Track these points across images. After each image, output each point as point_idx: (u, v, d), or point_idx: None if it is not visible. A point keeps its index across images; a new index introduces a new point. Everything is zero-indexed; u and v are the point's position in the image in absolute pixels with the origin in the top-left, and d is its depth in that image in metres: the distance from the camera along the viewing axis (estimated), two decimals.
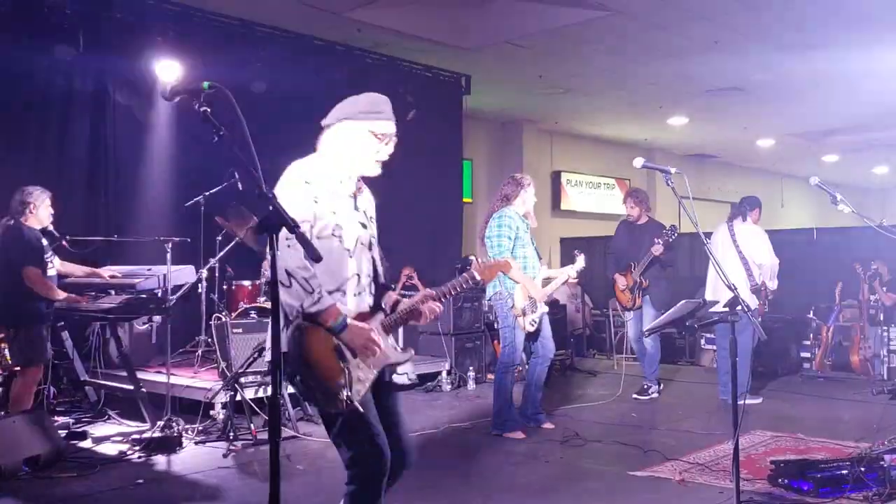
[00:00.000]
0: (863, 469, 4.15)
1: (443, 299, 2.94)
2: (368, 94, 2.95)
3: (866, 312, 8.22)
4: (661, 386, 7.69)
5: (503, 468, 5.08)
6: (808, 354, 8.84)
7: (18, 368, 5.49)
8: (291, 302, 2.62)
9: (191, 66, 7.37)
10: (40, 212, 5.54)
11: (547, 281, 6.09)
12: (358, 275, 2.84)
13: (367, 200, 3.02)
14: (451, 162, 11.01)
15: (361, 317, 2.81)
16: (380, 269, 2.98)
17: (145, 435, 5.48)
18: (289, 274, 2.60)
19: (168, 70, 7.33)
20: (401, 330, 8.66)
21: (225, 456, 5.26)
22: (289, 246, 2.56)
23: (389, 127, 2.95)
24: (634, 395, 7.43)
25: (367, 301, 2.88)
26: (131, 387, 6.00)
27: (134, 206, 7.50)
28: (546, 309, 5.97)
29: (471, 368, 8.17)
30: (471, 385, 8.07)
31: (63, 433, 5.51)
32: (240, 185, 6.27)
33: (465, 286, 2.96)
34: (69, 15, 6.91)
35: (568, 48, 9.27)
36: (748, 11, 8.03)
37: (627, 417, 6.56)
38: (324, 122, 2.97)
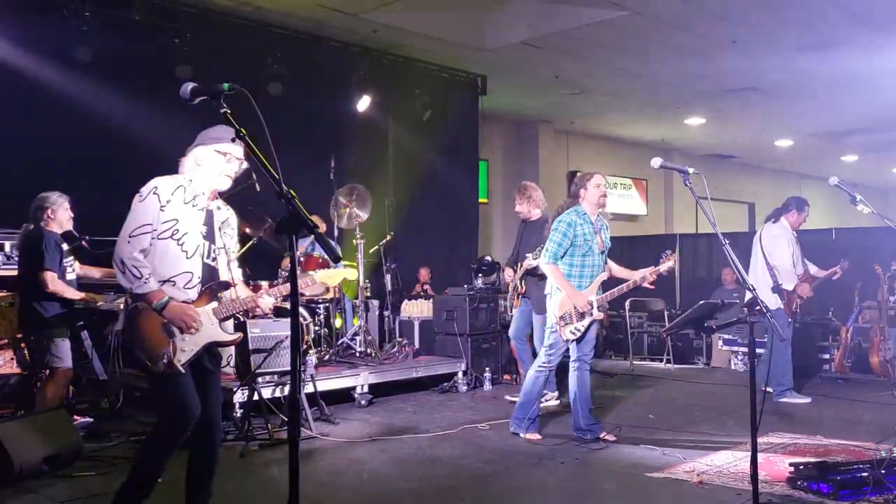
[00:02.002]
0: (883, 471, 4.11)
1: (276, 297, 3.65)
2: (216, 126, 3.44)
3: (886, 313, 8.14)
4: (559, 395, 7.14)
5: (520, 469, 5.07)
6: (827, 356, 8.79)
7: (45, 372, 5.55)
8: (124, 284, 3.30)
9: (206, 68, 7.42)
10: (59, 215, 5.61)
11: (614, 284, 5.74)
12: (191, 273, 3.42)
13: (226, 216, 3.63)
14: (467, 162, 11.02)
15: (195, 303, 3.43)
16: (225, 273, 3.58)
17: None
18: (122, 262, 3.26)
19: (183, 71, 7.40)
20: (416, 330, 8.72)
21: (242, 456, 5.29)
22: (128, 242, 3.27)
23: (233, 149, 3.44)
24: (510, 396, 7.00)
25: (199, 292, 3.45)
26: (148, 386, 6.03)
27: None
28: (600, 316, 5.61)
29: (487, 369, 8.16)
30: (487, 386, 8.06)
31: (82, 432, 5.56)
32: (257, 186, 6.30)
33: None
34: (87, 17, 6.98)
35: (584, 48, 9.25)
36: (766, 11, 7.98)
37: (644, 419, 6.53)
38: (187, 150, 3.53)
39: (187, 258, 3.40)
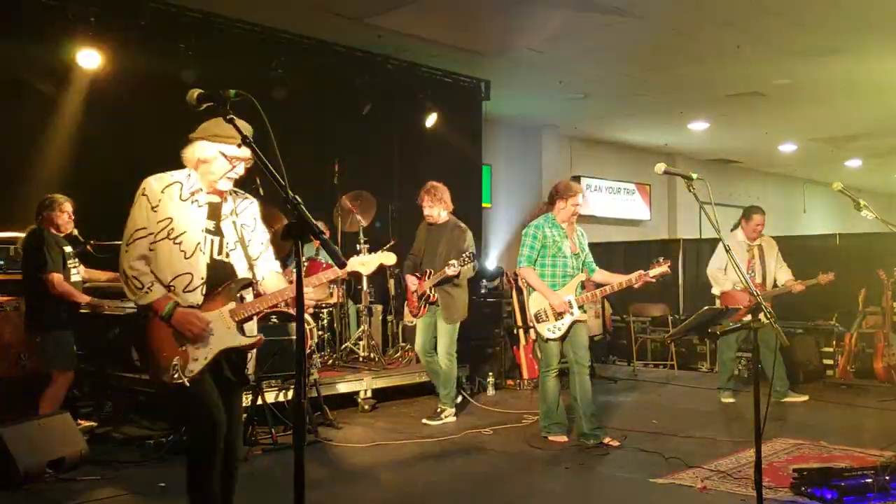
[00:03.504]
0: (887, 477, 4.11)
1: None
2: (220, 121, 2.99)
3: (890, 319, 8.12)
4: (457, 410, 6.87)
5: (523, 474, 5.07)
6: (830, 361, 8.77)
7: (50, 374, 5.57)
8: (129, 296, 3.18)
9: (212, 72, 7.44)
10: (60, 218, 5.63)
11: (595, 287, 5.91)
12: (191, 274, 3.22)
13: (241, 206, 3.46)
14: (470, 167, 11.01)
15: (210, 305, 3.24)
16: (244, 268, 3.37)
17: (168, 438, 5.52)
18: (124, 273, 3.15)
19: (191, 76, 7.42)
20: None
21: (246, 460, 5.29)
22: (126, 251, 3.15)
23: (239, 153, 3.26)
24: (424, 420, 6.59)
25: (200, 297, 3.24)
26: (153, 390, 6.04)
27: None
28: (581, 316, 5.77)
29: (490, 374, 8.16)
30: (490, 391, 8.06)
31: (86, 436, 5.56)
32: (261, 191, 6.32)
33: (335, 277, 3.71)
34: (94, 24, 7.01)
35: (588, 53, 9.26)
36: (769, 16, 7.98)
37: (648, 424, 6.52)
38: (191, 136, 3.32)
39: (185, 258, 3.21)
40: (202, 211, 3.30)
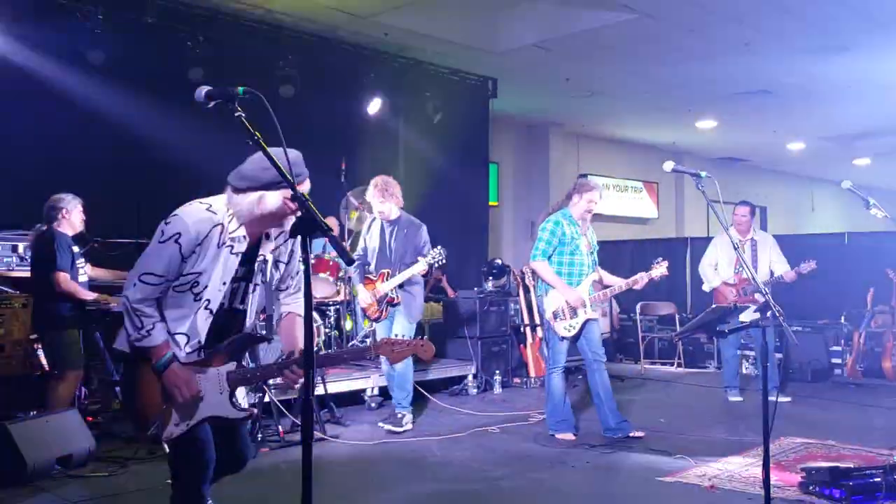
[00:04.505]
0: None
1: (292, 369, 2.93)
2: (289, 150, 2.60)
3: None
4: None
5: (530, 472, 5.06)
6: (839, 360, 8.74)
7: (56, 372, 5.59)
8: (128, 330, 2.82)
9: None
10: (73, 217, 5.65)
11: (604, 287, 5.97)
12: (194, 332, 2.90)
13: (277, 245, 3.04)
14: (477, 165, 11.02)
15: (208, 361, 2.92)
16: (249, 323, 3.05)
17: None
18: (126, 305, 2.80)
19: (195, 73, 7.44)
20: (426, 333, 8.74)
21: (253, 457, 5.29)
22: (135, 284, 2.78)
23: (307, 186, 2.85)
24: (387, 426, 6.20)
25: (196, 356, 2.93)
26: None
27: (165, 208, 7.57)
28: (595, 315, 5.83)
29: (497, 372, 8.16)
30: (497, 389, 8.06)
31: (94, 433, 5.58)
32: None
33: (354, 357, 3.51)
34: (101, 20, 7.03)
35: (595, 51, 9.24)
36: (778, 14, 7.95)
37: (655, 423, 6.51)
38: (235, 183, 2.85)
39: (194, 312, 2.89)
40: (236, 260, 2.92)
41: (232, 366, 2.95)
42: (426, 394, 7.19)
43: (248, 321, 3.06)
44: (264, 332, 3.25)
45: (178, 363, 2.84)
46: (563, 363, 5.87)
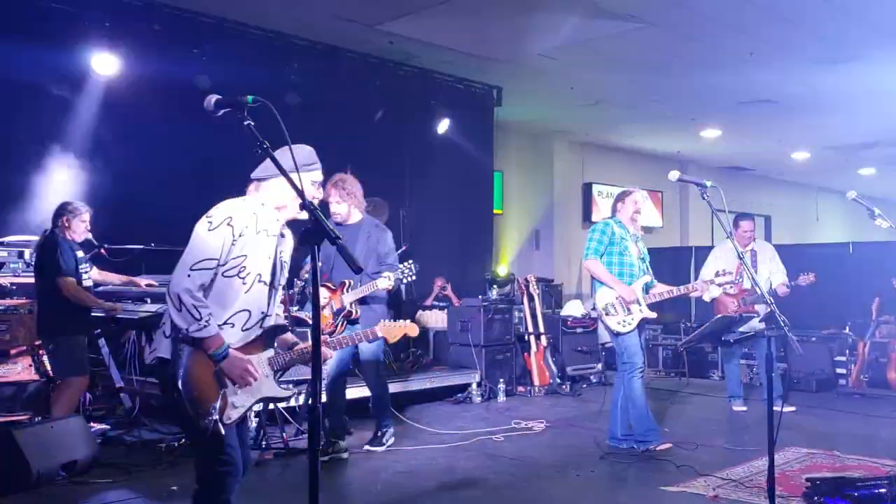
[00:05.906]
0: None
1: (335, 348, 3.43)
2: (299, 146, 2.99)
3: None
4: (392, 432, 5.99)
5: (534, 481, 5.06)
6: (843, 370, 8.72)
7: (61, 378, 5.60)
8: (179, 323, 2.83)
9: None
10: (73, 226, 5.65)
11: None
12: (250, 311, 3.02)
13: (288, 244, 3.21)
14: (481, 173, 11.03)
15: (250, 349, 3.02)
16: (273, 310, 3.15)
17: (180, 442, 5.54)
18: (179, 298, 2.81)
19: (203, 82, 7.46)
20: (430, 341, 8.74)
21: (257, 464, 5.30)
22: (189, 276, 2.83)
23: (320, 175, 3.16)
24: (367, 446, 5.82)
25: (255, 335, 3.06)
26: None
27: (170, 215, 7.58)
28: (651, 314, 5.70)
29: (501, 380, 8.16)
30: (501, 397, 8.05)
31: (99, 439, 5.59)
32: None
33: (362, 340, 3.73)
34: (109, 27, 7.07)
35: (600, 60, 9.26)
36: (783, 24, 7.97)
37: (660, 432, 6.50)
38: (258, 176, 3.10)
39: (245, 293, 2.99)
40: (272, 244, 3.08)
41: (270, 352, 3.10)
42: (420, 412, 7.18)
43: (271, 314, 3.15)
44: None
45: (233, 350, 2.94)
46: (642, 364, 5.73)
